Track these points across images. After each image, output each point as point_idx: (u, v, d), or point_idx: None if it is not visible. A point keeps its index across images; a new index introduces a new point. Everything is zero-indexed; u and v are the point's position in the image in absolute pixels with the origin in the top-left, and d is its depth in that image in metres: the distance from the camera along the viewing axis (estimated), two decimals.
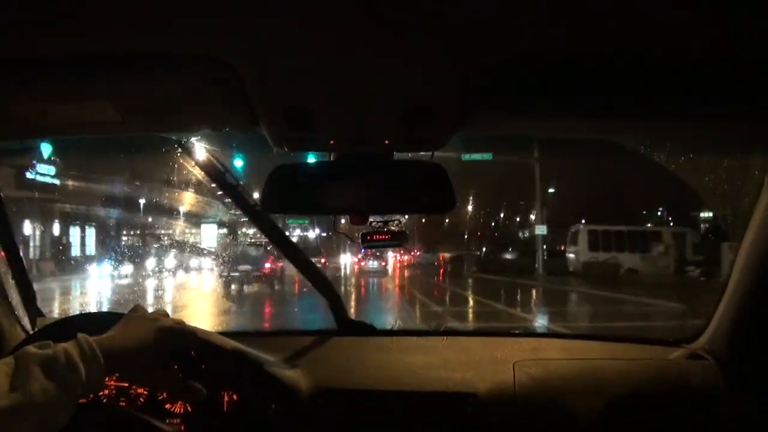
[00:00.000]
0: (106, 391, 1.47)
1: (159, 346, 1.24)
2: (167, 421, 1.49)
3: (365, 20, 0.95)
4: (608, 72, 1.15)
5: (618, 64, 1.12)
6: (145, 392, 1.51)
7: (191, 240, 25.91)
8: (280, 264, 20.42)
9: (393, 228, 1.65)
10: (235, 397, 1.53)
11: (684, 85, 1.18)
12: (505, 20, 0.96)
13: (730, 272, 1.67)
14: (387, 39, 1.01)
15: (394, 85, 1.19)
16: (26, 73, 1.17)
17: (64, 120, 1.46)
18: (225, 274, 18.32)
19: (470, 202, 29.83)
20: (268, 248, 19.95)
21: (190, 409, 1.49)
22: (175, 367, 1.32)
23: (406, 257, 34.68)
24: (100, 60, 1.12)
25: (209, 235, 24.83)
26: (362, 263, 26.71)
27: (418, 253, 31.73)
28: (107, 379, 1.16)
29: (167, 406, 1.52)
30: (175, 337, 1.27)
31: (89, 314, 1.66)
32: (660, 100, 1.27)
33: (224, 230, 27.55)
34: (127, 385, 1.49)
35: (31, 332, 1.78)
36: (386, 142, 1.46)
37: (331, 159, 1.54)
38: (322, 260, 26.51)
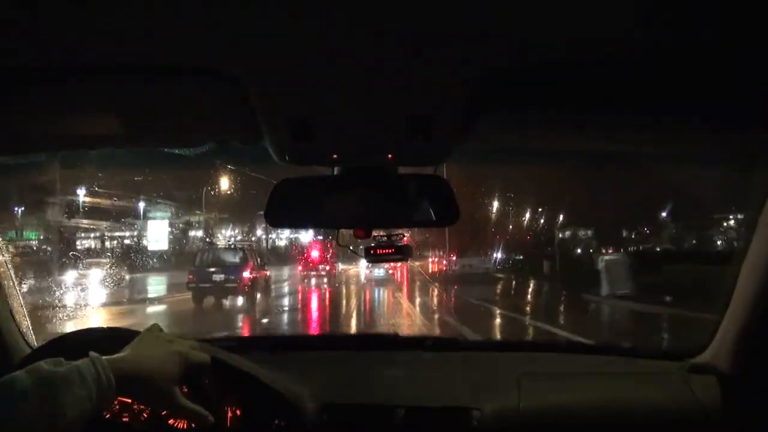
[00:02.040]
0: None
1: (172, 370, 1.38)
2: None
3: (367, 33, 1.07)
4: (614, 81, 1.29)
5: (624, 73, 1.26)
6: (149, 408, 1.69)
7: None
8: (265, 272, 19.68)
9: (397, 242, 1.81)
10: (238, 412, 1.72)
11: (689, 91, 1.32)
12: (508, 31, 1.07)
13: (735, 282, 1.83)
14: (389, 51, 1.14)
15: (396, 97, 1.34)
16: (29, 85, 1.31)
17: (68, 134, 1.66)
18: (193, 285, 17.39)
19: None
20: (247, 252, 19.69)
21: (193, 425, 1.67)
22: (185, 389, 1.51)
23: (433, 261, 32.59)
24: (104, 73, 1.26)
25: (158, 234, 23.36)
26: (368, 271, 26.49)
27: (453, 258, 28.91)
28: None
29: (170, 421, 1.70)
30: (189, 361, 1.43)
31: (97, 329, 1.86)
32: (663, 108, 1.41)
33: (200, 232, 26.26)
34: (130, 400, 1.65)
35: (36, 346, 1.99)
36: (389, 155, 1.66)
37: (335, 173, 1.75)
38: (327, 267, 25.65)
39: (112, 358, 1.28)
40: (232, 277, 17.63)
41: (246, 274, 18.14)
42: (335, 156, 1.67)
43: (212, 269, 17.94)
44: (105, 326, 1.93)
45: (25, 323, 2.04)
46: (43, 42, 1.13)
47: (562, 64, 1.22)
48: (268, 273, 20.25)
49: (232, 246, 23.15)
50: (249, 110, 1.37)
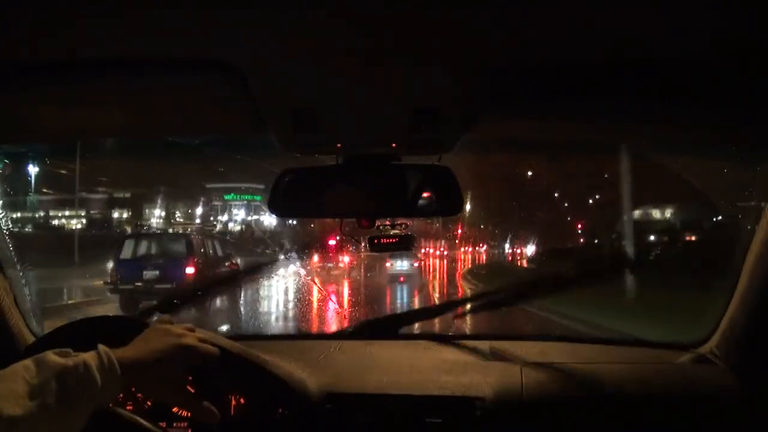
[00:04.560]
0: None
1: (180, 365, 1.59)
2: (174, 425, 2.02)
3: (371, 24, 1.27)
4: (616, 75, 1.52)
5: (625, 67, 1.49)
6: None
7: None
8: (231, 266, 17.39)
9: (399, 231, 2.10)
10: (242, 400, 2.09)
11: (694, 88, 1.58)
12: (512, 22, 1.27)
13: (740, 272, 2.22)
14: (393, 41, 1.35)
15: (400, 87, 1.60)
16: (33, 77, 1.54)
17: (71, 125, 2.00)
18: (112, 286, 15.52)
19: None
20: (193, 240, 17.60)
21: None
22: (191, 380, 1.79)
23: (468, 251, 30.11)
24: (107, 64, 1.49)
25: None
26: (388, 263, 23.82)
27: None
28: None
29: (174, 409, 2.04)
30: (198, 356, 1.63)
31: (104, 318, 2.12)
32: (668, 102, 1.71)
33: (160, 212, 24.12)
34: (134, 389, 1.94)
35: (41, 334, 2.38)
36: (393, 145, 2.01)
37: (339, 162, 2.11)
38: (346, 259, 23.14)
39: (119, 352, 1.48)
40: (169, 275, 15.53)
41: (189, 270, 15.82)
42: (339, 145, 2.02)
43: (142, 264, 15.94)
44: (112, 315, 2.16)
45: (30, 311, 2.31)
46: (46, 35, 1.33)
47: (569, 58, 1.45)
48: (238, 267, 17.89)
49: (171, 232, 20.98)
50: (252, 100, 1.63)
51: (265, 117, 1.76)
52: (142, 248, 17.12)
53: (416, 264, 24.52)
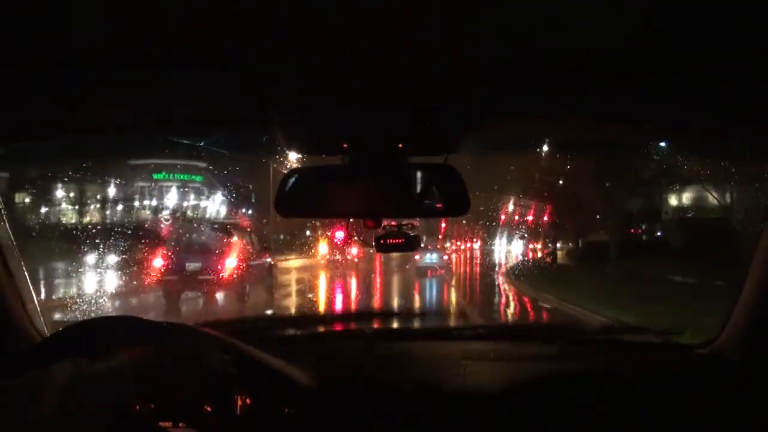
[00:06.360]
0: None
1: (198, 382, 1.61)
2: (180, 424, 1.95)
3: (377, 23, 1.28)
4: (619, 74, 1.55)
5: (629, 65, 1.51)
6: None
7: None
8: (265, 259, 17.58)
9: (407, 231, 2.11)
10: (248, 399, 2.05)
11: (702, 80, 1.56)
12: (515, 21, 1.27)
13: (748, 271, 2.22)
14: (399, 41, 1.36)
15: (406, 87, 1.64)
16: (35, 75, 1.57)
17: (74, 122, 2.03)
18: (159, 275, 15.53)
19: None
20: (235, 232, 17.63)
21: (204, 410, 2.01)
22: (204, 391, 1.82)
23: None
24: (112, 62, 1.51)
25: None
26: (417, 256, 23.07)
27: None
28: None
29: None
30: (217, 376, 1.66)
31: (110, 318, 2.13)
32: (673, 101, 1.71)
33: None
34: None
35: (47, 334, 2.40)
36: (399, 145, 2.03)
37: (345, 162, 2.12)
38: (356, 252, 22.35)
39: (140, 357, 1.50)
40: (210, 267, 15.52)
41: (230, 263, 15.84)
42: (345, 145, 2.04)
43: (185, 255, 15.84)
44: (120, 315, 2.18)
45: (35, 311, 2.35)
46: (48, 33, 1.34)
47: (573, 57, 1.44)
48: (269, 260, 17.90)
49: (215, 223, 21.15)
50: (258, 100, 1.68)
51: (272, 116, 1.78)
52: (187, 240, 17.16)
53: (446, 257, 24.59)
